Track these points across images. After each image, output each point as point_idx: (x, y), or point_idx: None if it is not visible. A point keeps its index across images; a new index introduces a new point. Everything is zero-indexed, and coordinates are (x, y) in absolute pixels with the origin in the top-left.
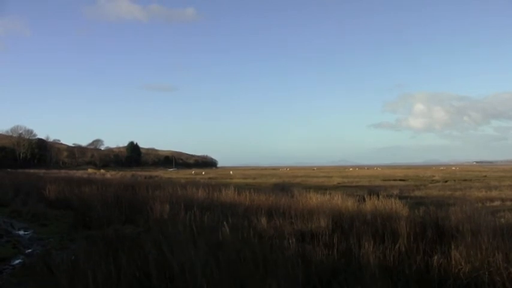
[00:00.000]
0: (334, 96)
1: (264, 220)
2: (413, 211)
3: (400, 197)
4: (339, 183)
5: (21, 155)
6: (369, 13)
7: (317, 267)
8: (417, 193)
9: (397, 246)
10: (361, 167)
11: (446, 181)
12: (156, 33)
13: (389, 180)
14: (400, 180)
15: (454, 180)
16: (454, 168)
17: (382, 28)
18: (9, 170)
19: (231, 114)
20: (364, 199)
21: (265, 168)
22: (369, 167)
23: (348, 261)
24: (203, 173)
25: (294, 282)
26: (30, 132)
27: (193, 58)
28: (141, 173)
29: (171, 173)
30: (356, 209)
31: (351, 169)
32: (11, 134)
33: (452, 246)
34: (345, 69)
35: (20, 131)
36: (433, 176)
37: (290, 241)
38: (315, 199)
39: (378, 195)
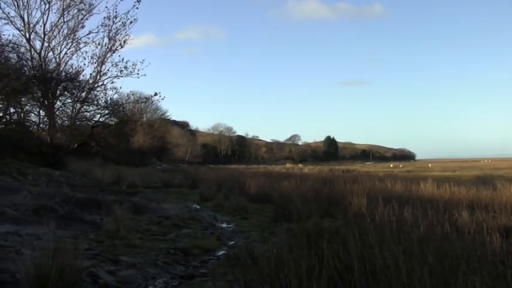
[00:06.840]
0: None
1: (465, 214)
2: None
3: None
4: None
5: (222, 151)
6: None
7: None
8: None
9: None
10: None
11: None
12: (345, 31)
13: None
14: None
15: None
16: None
17: None
18: (211, 165)
19: (428, 106)
20: None
21: (466, 161)
22: None
23: None
24: (401, 166)
25: (499, 280)
26: (230, 129)
27: (384, 52)
28: (338, 167)
29: (368, 167)
30: None
31: None
32: (212, 131)
33: None
34: None
35: (221, 129)
36: None
37: (493, 236)
38: None
39: None
